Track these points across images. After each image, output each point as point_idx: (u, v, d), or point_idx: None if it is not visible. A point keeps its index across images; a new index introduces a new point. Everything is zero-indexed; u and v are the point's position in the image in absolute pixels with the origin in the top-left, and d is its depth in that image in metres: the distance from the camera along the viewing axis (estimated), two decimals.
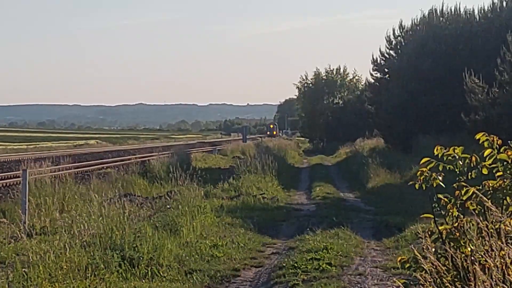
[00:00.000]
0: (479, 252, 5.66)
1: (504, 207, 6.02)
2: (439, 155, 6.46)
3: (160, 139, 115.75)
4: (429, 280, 5.75)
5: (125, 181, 25.45)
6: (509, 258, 5.23)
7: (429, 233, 6.23)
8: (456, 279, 5.78)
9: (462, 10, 41.70)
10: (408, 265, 6.19)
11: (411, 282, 6.29)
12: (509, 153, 6.10)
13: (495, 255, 5.43)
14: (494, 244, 5.48)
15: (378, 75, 48.83)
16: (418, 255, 5.97)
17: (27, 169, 16.94)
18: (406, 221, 17.19)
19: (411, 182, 6.64)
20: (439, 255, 6.02)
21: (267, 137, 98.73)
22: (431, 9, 42.38)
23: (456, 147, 6.45)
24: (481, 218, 5.95)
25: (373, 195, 27.07)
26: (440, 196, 6.31)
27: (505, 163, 6.13)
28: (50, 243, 11.13)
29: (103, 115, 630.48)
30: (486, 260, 5.46)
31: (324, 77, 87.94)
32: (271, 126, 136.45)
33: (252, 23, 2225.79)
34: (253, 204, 22.19)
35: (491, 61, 30.60)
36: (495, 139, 6.22)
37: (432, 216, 6.38)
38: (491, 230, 5.67)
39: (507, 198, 6.01)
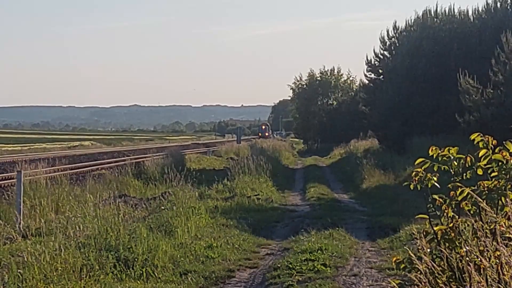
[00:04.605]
0: (474, 253, 5.67)
1: (499, 207, 6.03)
2: (434, 156, 6.46)
3: (154, 141, 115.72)
4: (424, 281, 5.76)
5: (120, 182, 25.39)
6: (504, 258, 5.24)
7: (424, 233, 6.24)
8: (451, 280, 5.79)
9: (456, 11, 41.83)
10: (403, 265, 6.19)
11: (406, 283, 6.29)
12: (504, 153, 6.11)
13: (490, 255, 5.45)
14: (489, 244, 5.49)
15: (372, 76, 48.86)
16: (413, 255, 5.98)
17: (21, 171, 16.92)
18: (401, 222, 17.18)
19: (405, 183, 6.64)
20: (434, 256, 6.03)
21: (259, 138, 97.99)
22: (425, 10, 42.49)
23: (451, 148, 6.45)
24: (476, 219, 5.96)
25: (368, 196, 27.07)
26: (435, 196, 6.31)
27: (500, 163, 6.13)
28: (45, 244, 11.08)
29: (98, 116, 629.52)
30: (481, 261, 5.47)
31: (318, 78, 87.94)
32: (263, 127, 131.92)
33: (246, 25, 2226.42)
34: (247, 205, 22.16)
35: (486, 62, 30.61)
36: (490, 140, 6.22)
37: (427, 217, 6.39)
38: (486, 231, 5.68)
39: (502, 198, 6.01)
